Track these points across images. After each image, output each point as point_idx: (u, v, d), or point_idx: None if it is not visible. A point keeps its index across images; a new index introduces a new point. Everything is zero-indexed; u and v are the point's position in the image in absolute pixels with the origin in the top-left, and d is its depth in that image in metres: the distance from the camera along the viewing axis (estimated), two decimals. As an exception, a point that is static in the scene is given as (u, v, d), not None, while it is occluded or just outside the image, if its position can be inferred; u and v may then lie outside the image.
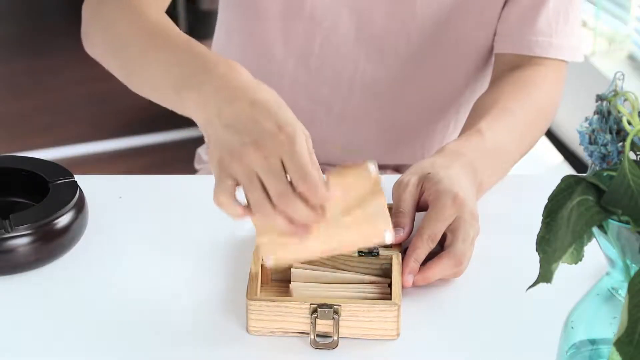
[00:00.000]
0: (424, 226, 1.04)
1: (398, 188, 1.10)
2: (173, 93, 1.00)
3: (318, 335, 0.96)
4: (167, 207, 1.18)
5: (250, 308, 0.97)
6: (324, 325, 0.96)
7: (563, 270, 0.79)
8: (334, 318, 0.95)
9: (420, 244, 1.03)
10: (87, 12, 1.19)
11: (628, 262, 0.77)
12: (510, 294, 1.04)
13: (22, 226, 1.04)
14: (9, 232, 1.04)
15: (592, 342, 0.83)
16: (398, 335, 0.97)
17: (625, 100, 0.77)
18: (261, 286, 1.02)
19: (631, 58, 2.86)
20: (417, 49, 1.34)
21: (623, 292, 0.79)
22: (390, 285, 1.02)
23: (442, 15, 1.32)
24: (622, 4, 2.84)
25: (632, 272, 0.77)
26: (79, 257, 1.10)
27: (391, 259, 1.03)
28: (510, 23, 1.32)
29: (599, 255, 0.81)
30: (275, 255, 0.94)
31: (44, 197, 1.09)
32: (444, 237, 1.05)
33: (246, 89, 0.95)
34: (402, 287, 1.01)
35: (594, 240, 0.79)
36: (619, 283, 0.80)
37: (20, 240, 1.05)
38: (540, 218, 0.78)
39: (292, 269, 1.03)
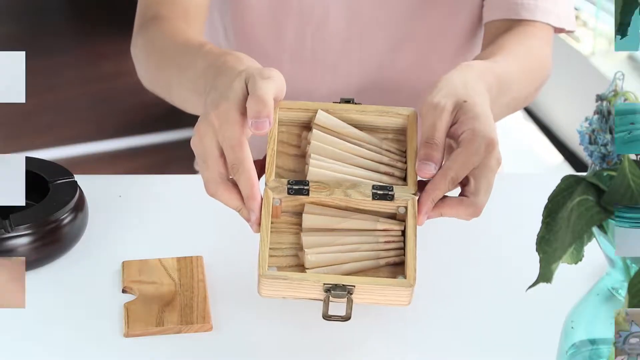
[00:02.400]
0: (450, 167, 0.96)
1: (433, 112, 0.98)
2: (197, 98, 1.06)
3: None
4: (167, 207, 1.18)
5: (263, 281, 0.94)
6: (337, 301, 0.94)
7: (563, 270, 0.79)
8: (347, 297, 0.94)
9: (442, 185, 0.96)
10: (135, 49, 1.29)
11: (628, 262, 0.77)
12: (510, 294, 1.04)
13: (22, 226, 1.04)
14: (9, 232, 1.04)
15: (592, 342, 0.83)
16: (409, 303, 0.95)
17: (625, 100, 0.77)
18: (272, 223, 0.99)
19: (631, 58, 2.86)
20: (406, 30, 1.36)
21: (623, 292, 0.79)
22: (404, 233, 0.99)
23: None
24: (622, 4, 2.84)
25: (632, 272, 0.77)
26: (79, 257, 1.10)
27: (406, 204, 0.99)
28: None
29: (599, 255, 0.81)
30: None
31: (44, 197, 1.09)
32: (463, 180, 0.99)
33: (228, 69, 0.99)
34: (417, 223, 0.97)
35: (594, 240, 0.79)
36: (619, 283, 0.80)
37: (20, 240, 1.05)
38: (540, 218, 0.78)
39: (303, 214, 1.00)
